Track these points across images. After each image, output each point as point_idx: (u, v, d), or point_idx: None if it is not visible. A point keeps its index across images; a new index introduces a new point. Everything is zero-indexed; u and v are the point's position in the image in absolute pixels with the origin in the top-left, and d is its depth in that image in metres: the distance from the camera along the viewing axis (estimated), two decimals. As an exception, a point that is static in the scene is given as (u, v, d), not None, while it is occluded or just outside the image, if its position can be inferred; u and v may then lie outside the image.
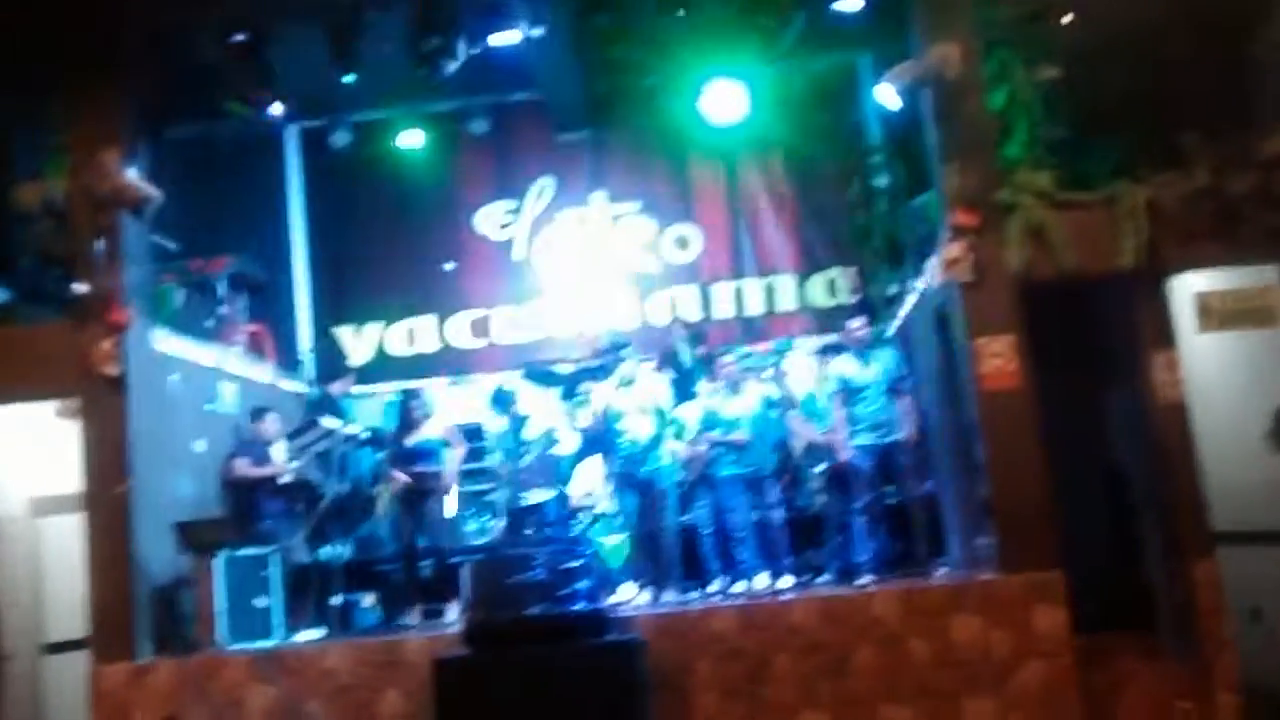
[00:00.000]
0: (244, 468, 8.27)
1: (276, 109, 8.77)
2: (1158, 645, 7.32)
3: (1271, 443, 7.34)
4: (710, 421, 8.04)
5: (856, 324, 8.05)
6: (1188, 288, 7.41)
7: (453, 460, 8.24)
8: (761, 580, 7.77)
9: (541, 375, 9.52)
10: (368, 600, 8.23)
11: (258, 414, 8.59)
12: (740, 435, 7.98)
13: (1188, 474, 7.06)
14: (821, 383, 8.29)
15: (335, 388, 9.89)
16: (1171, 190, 7.12)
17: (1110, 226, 7.12)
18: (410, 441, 8.21)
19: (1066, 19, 7.77)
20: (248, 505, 8.20)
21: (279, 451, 8.36)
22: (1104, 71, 7.42)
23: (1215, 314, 7.38)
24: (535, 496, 8.15)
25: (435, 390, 9.50)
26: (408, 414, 8.32)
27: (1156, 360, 7.18)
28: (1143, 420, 7.27)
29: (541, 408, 8.66)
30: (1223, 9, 7.40)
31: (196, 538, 7.62)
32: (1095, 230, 7.13)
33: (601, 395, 8.21)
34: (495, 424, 8.41)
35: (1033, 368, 7.04)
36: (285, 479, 8.26)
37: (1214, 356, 7.50)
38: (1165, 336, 7.20)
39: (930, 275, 7.84)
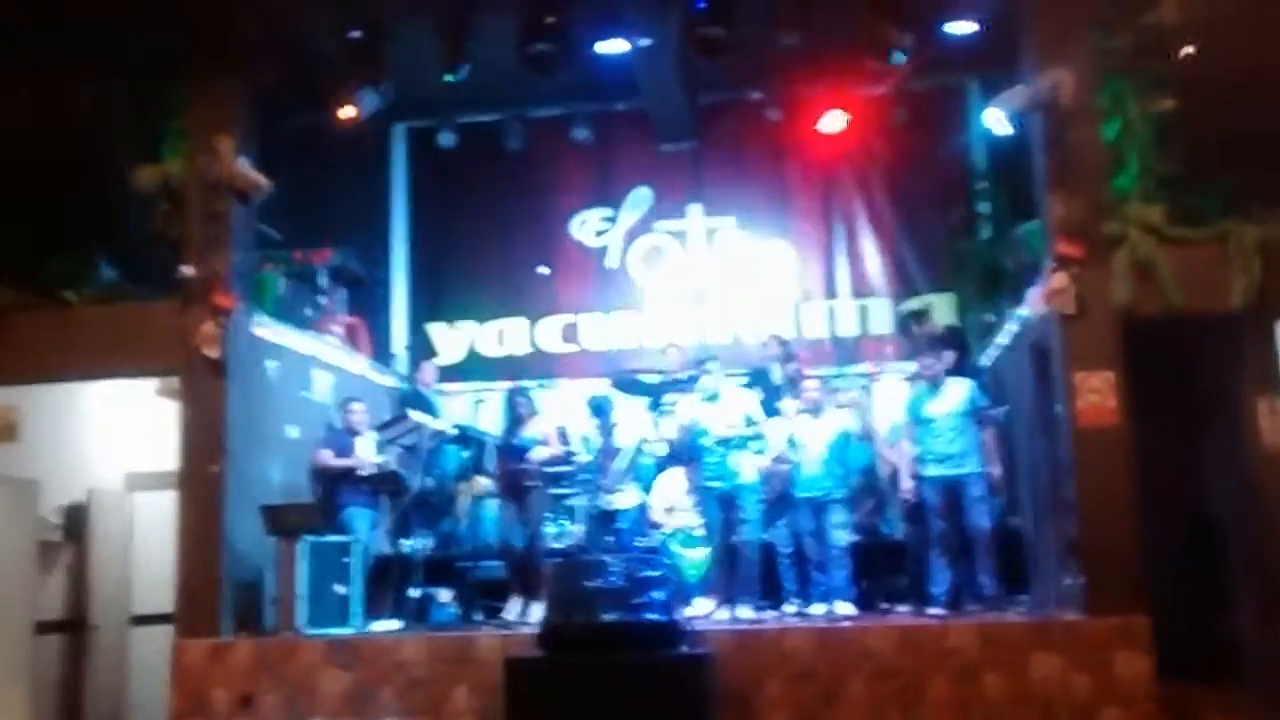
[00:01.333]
0: (328, 458, 8.40)
1: (382, 108, 8.95)
2: (1243, 698, 7.08)
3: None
4: (790, 442, 7.97)
5: (929, 360, 7.92)
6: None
7: (540, 456, 8.24)
8: (840, 606, 7.67)
9: (629, 384, 9.53)
10: (445, 596, 8.29)
11: (345, 404, 8.72)
12: (812, 458, 7.88)
13: (1289, 526, 6.84)
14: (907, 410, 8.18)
15: (422, 379, 10.00)
16: (1286, 231, 6.90)
17: (1220, 265, 6.94)
18: (517, 439, 8.27)
19: (1185, 51, 7.58)
20: (331, 494, 8.32)
21: (365, 443, 8.46)
22: (1220, 106, 7.22)
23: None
24: (618, 504, 8.13)
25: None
26: (516, 409, 8.39)
27: (1261, 404, 6.96)
28: (1242, 467, 7.04)
29: (629, 417, 8.64)
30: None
31: (282, 521, 7.77)
32: (1204, 268, 6.96)
33: (687, 408, 8.16)
34: (585, 429, 8.40)
35: (1131, 406, 6.87)
36: (368, 471, 8.34)
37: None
38: (1271, 381, 6.98)
39: (1030, 305, 7.69)
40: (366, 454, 8.43)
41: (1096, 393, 6.90)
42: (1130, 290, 6.97)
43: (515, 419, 8.31)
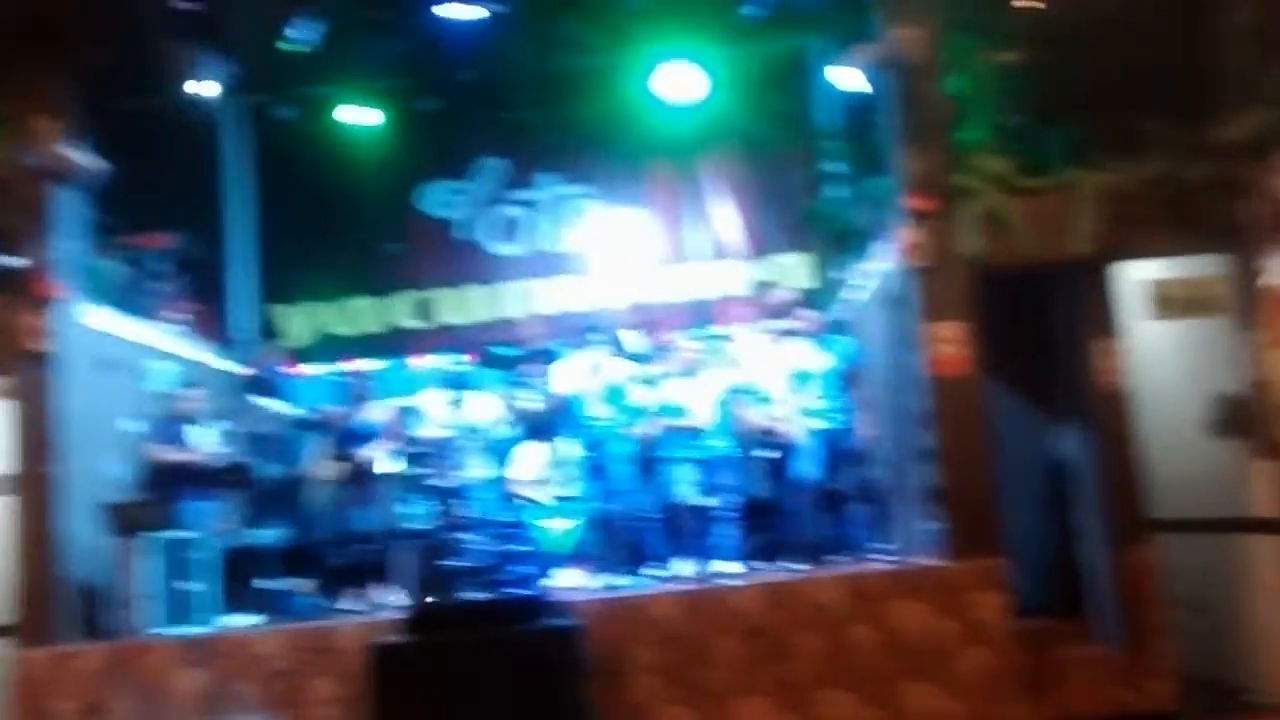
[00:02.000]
0: (160, 452, 7.98)
1: (218, 85, 8.58)
2: (1095, 631, 7.31)
3: (1213, 432, 7.33)
4: (663, 406, 7.91)
5: (806, 314, 7.94)
6: (1139, 275, 7.38)
7: (389, 443, 8.02)
8: (705, 566, 7.66)
9: (490, 358, 9.39)
10: (303, 585, 8.02)
11: (178, 390, 8.28)
12: (691, 420, 7.82)
13: (1129, 462, 7.07)
14: (772, 368, 8.18)
15: (266, 363, 9.65)
16: (1128, 178, 7.10)
17: (1065, 213, 7.09)
18: (353, 422, 8.01)
19: (1026, 3, 7.70)
20: (168, 489, 7.88)
21: (201, 432, 8.08)
22: (1063, 57, 7.36)
23: (1165, 302, 7.38)
24: (475, 480, 7.98)
25: (376, 371, 9.26)
26: (353, 392, 8.13)
27: (1102, 348, 7.16)
28: (1088, 407, 7.25)
29: (488, 391, 8.49)
30: (1182, -2, 7.38)
31: (126, 520, 7.38)
32: (1051, 217, 7.11)
33: (562, 378, 8.04)
34: (440, 406, 8.22)
35: (984, 354, 6.99)
36: (211, 461, 7.99)
37: (1161, 345, 7.50)
38: (1112, 325, 7.19)
39: (884, 260, 7.76)
40: (203, 443, 8.05)
41: (950, 343, 7.01)
42: (980, 241, 7.08)
43: (352, 402, 8.04)
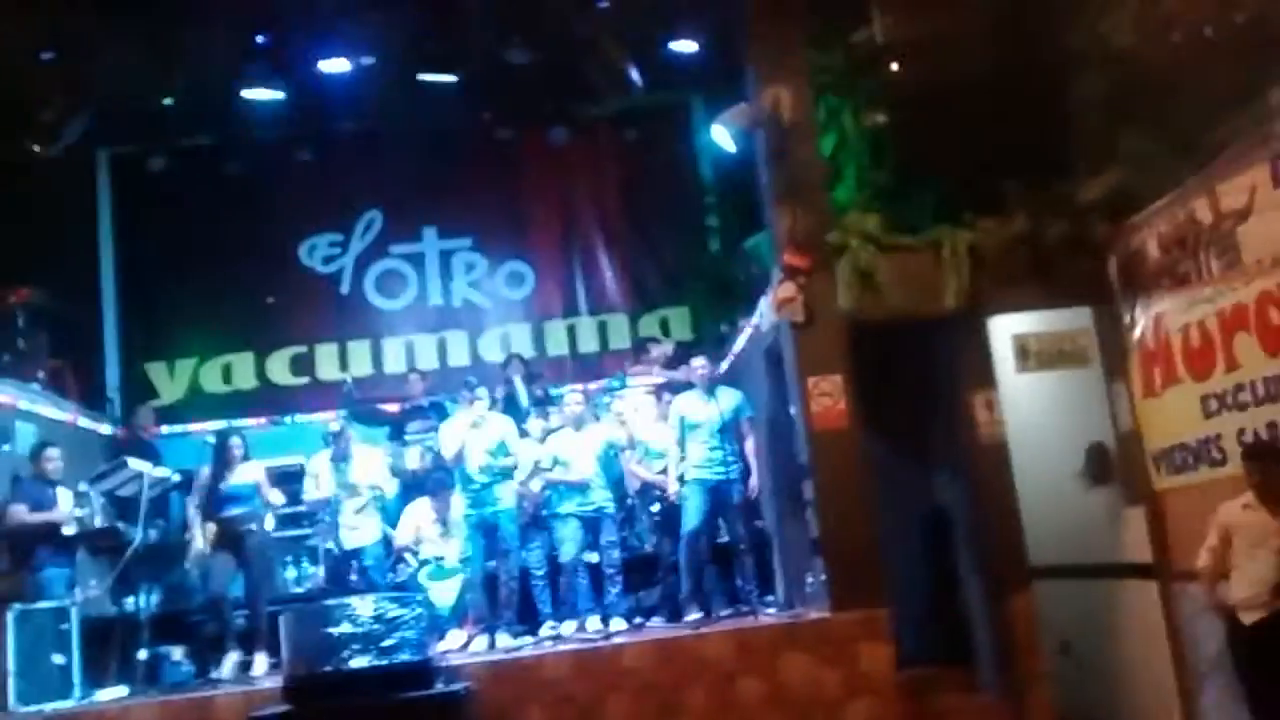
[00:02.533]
0: (21, 514, 7.55)
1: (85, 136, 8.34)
2: (976, 678, 7.47)
3: (1084, 479, 7.60)
4: (548, 460, 7.85)
5: (700, 363, 7.97)
6: (1006, 329, 7.64)
7: (265, 506, 7.81)
8: (593, 623, 7.62)
9: (367, 416, 9.21)
10: (177, 654, 7.72)
11: (37, 452, 7.87)
12: (577, 474, 7.80)
13: (1006, 510, 7.26)
14: (657, 422, 8.23)
15: (137, 423, 9.33)
16: (992, 235, 7.36)
17: (934, 269, 7.30)
18: (225, 485, 7.74)
19: (894, 67, 7.98)
20: (27, 554, 7.48)
21: (64, 495, 7.74)
22: (929, 119, 7.64)
23: (1033, 355, 7.64)
24: (358, 541, 7.81)
25: (252, 430, 9.00)
26: (225, 453, 7.84)
27: (977, 400, 7.38)
28: (963, 458, 7.45)
29: (367, 450, 8.32)
30: (1040, 64, 7.70)
31: (-14, 590, 7.03)
32: (920, 272, 7.31)
33: (448, 434, 7.90)
34: (319, 466, 8.02)
35: (861, 407, 7.15)
36: (74, 527, 7.63)
37: (1031, 397, 7.75)
38: (985, 377, 7.42)
39: (762, 315, 7.90)
40: (68, 506, 7.70)
41: (828, 395, 7.14)
42: (854, 297, 7.24)
43: (224, 463, 7.79)
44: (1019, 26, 7.76)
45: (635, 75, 8.47)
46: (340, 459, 7.94)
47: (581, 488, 7.79)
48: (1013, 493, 7.26)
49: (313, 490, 7.96)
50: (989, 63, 7.72)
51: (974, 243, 7.33)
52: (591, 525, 7.82)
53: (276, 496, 7.87)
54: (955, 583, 7.69)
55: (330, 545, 7.77)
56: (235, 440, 7.91)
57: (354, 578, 7.70)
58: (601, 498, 7.85)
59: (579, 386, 9.17)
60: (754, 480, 7.84)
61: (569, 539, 7.73)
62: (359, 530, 7.90)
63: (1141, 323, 6.95)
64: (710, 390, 7.80)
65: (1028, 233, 7.37)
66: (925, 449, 7.95)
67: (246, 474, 7.82)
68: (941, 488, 7.86)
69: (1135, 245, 6.98)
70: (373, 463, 8.11)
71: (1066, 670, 7.55)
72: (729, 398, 7.84)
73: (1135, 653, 7.29)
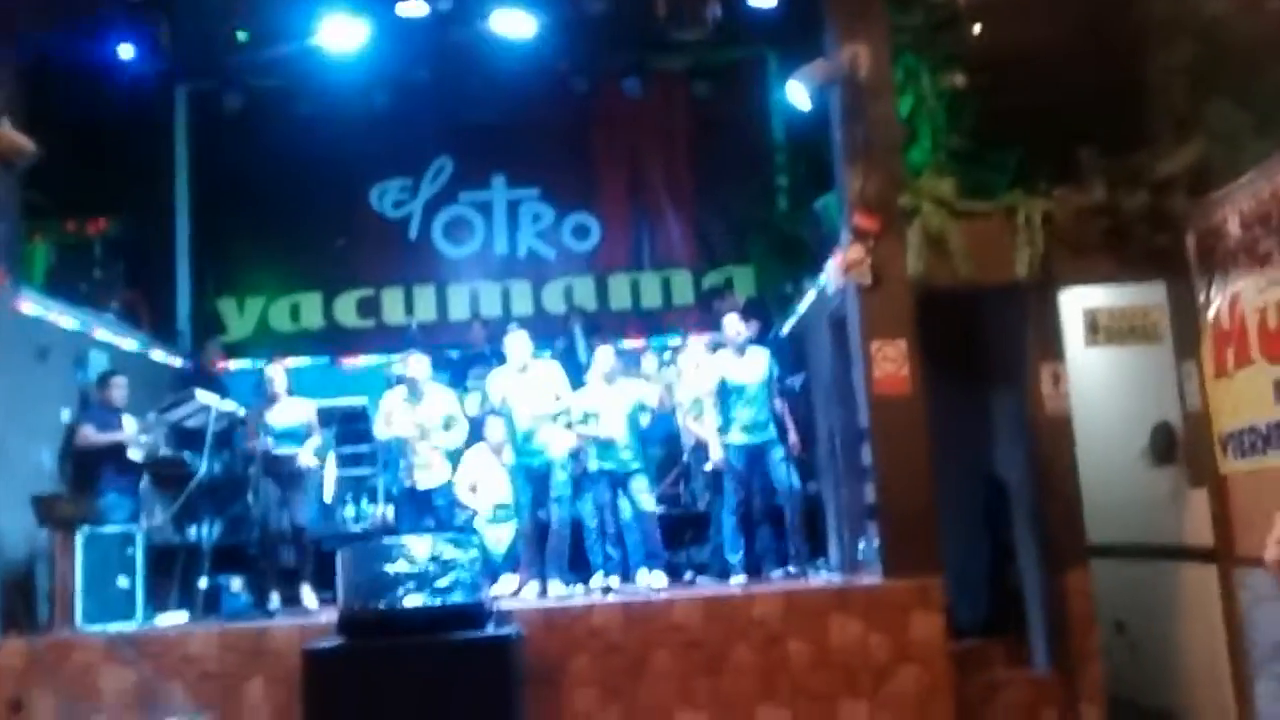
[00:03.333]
0: (90, 435, 7.80)
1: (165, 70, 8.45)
2: (1028, 653, 7.43)
3: (1149, 458, 7.48)
4: (584, 414, 7.85)
5: (734, 322, 7.91)
6: (1077, 301, 7.51)
7: (308, 446, 7.89)
8: (643, 577, 7.66)
9: (432, 360, 9.28)
10: (236, 584, 7.90)
11: (104, 379, 8.09)
12: (604, 430, 7.77)
13: (1066, 486, 7.18)
14: (714, 380, 8.20)
15: (205, 356, 9.51)
16: (1067, 204, 7.23)
17: (1007, 237, 7.19)
18: (274, 421, 7.86)
19: (975, 29, 7.81)
20: (91, 478, 7.74)
21: (129, 422, 7.93)
22: (1008, 83, 7.49)
23: (1102, 329, 7.50)
24: (431, 482, 7.88)
25: (316, 369, 9.13)
26: (265, 387, 7.96)
27: (1043, 372, 7.27)
28: (1026, 430, 7.36)
29: (439, 389, 8.36)
30: (1124, 31, 7.52)
31: (56, 512, 7.24)
32: (992, 240, 7.19)
33: (497, 383, 7.93)
34: (392, 404, 8.04)
35: (924, 374, 7.07)
36: (142, 454, 7.81)
37: (1099, 371, 7.64)
38: (1053, 349, 7.31)
39: (828, 277, 7.82)
40: (135, 433, 7.87)
41: (891, 361, 7.07)
42: (923, 262, 7.14)
43: (264, 397, 7.89)
44: (1104, -11, 7.57)
45: (712, 27, 8.35)
46: (413, 397, 7.97)
47: (607, 444, 7.77)
48: (1074, 468, 7.17)
49: (384, 429, 8.01)
50: (1071, 28, 7.56)
51: (1049, 211, 7.20)
52: (619, 482, 7.82)
53: (314, 440, 7.96)
54: (1011, 556, 7.63)
55: (389, 485, 7.83)
56: (273, 373, 7.98)
57: (411, 518, 7.79)
58: (628, 455, 7.80)
59: (628, 344, 9.10)
60: (793, 438, 7.78)
61: (603, 493, 7.78)
62: (431, 470, 7.92)
63: (1217, 301, 6.78)
64: (741, 350, 7.77)
65: (1104, 204, 7.23)
66: (988, 419, 7.87)
67: (293, 411, 7.91)
68: (1002, 459, 7.78)
69: (1215, 221, 6.78)
70: (446, 402, 8.14)
71: (1119, 650, 7.49)
72: (763, 357, 7.80)
73: (1190, 637, 7.20)
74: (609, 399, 7.85)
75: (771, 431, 7.68)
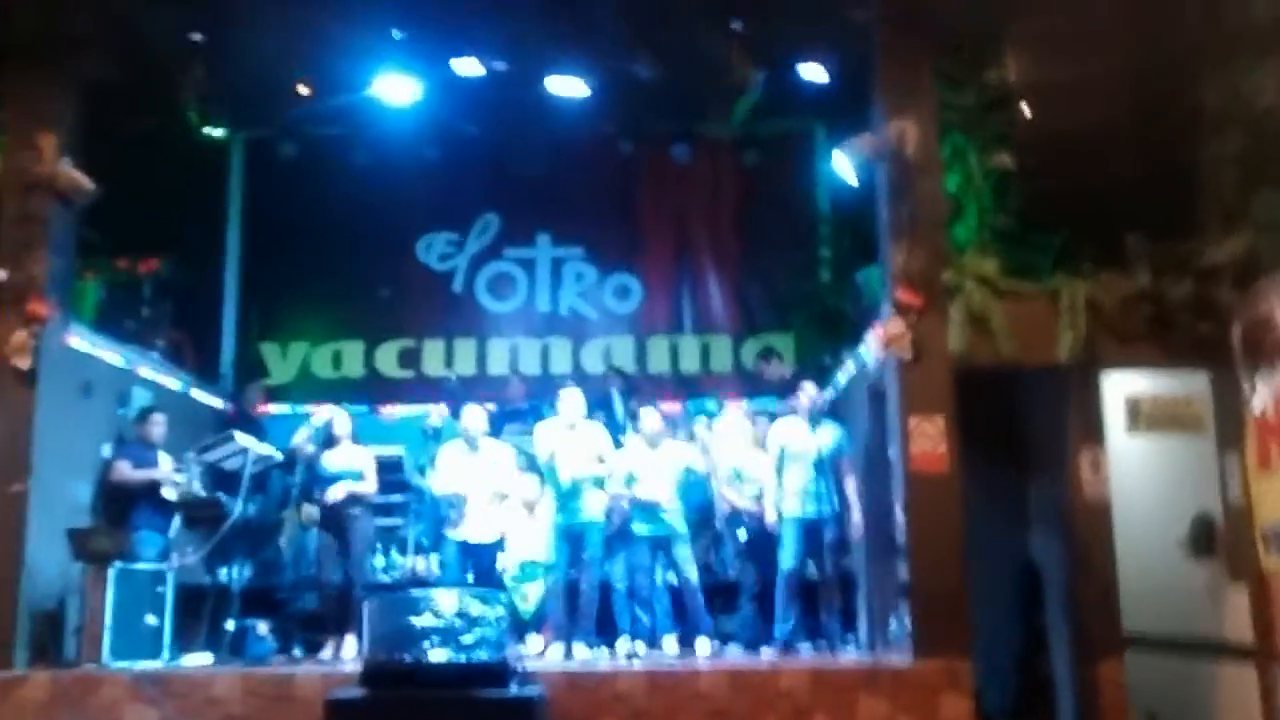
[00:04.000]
0: (125, 471, 7.88)
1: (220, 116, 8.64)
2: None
3: (1188, 549, 7.37)
4: (628, 477, 7.86)
5: (810, 388, 7.90)
6: (1119, 387, 7.46)
7: (354, 487, 7.88)
8: (670, 643, 7.60)
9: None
10: (262, 628, 7.91)
11: (144, 415, 8.20)
12: (647, 493, 7.77)
13: (1103, 573, 7.07)
14: (751, 447, 8.18)
15: (247, 398, 9.61)
16: (1112, 289, 7.20)
17: (1049, 319, 7.16)
18: (329, 465, 7.90)
19: (1025, 111, 7.86)
20: (124, 514, 7.81)
21: (164, 459, 8.00)
22: (1055, 165, 7.51)
23: (1145, 416, 7.44)
24: (484, 537, 7.88)
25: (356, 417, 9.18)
26: (327, 431, 8.00)
27: (1083, 457, 7.20)
28: (1064, 515, 7.28)
29: (497, 444, 8.36)
30: (1175, 118, 7.54)
31: (90, 546, 7.30)
32: (1035, 321, 7.17)
33: (545, 437, 7.95)
34: (451, 457, 8.07)
35: (961, 452, 7.02)
36: (176, 493, 7.88)
37: (1139, 459, 7.55)
38: (1094, 434, 7.25)
39: (868, 350, 7.82)
40: (172, 472, 7.96)
41: (929, 438, 7.02)
42: (964, 339, 7.13)
43: (328, 440, 7.92)
44: (1156, 78, 7.60)
45: (760, 99, 8.45)
46: (471, 449, 7.97)
47: (650, 507, 7.76)
48: (1112, 556, 7.06)
49: (441, 481, 8.02)
50: (1122, 112, 7.59)
51: (1093, 295, 7.17)
52: (662, 546, 7.79)
53: (371, 484, 7.99)
54: (1043, 642, 7.52)
55: (421, 537, 7.82)
56: (336, 414, 8.01)
57: (440, 572, 7.77)
58: (673, 519, 7.79)
59: (664, 405, 9.12)
60: (856, 518, 7.74)
61: (641, 557, 7.75)
62: (484, 525, 7.89)
63: (1261, 393, 6.71)
64: (814, 421, 7.75)
65: (1149, 289, 7.19)
66: (1023, 502, 7.79)
67: (353, 457, 7.94)
68: (1037, 544, 7.69)
69: (1261, 312, 6.72)
70: (503, 455, 8.15)
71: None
72: (830, 431, 7.77)
73: (1227, 734, 7.04)
74: (653, 462, 7.85)
75: (828, 505, 7.63)
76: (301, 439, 8.08)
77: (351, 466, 7.91)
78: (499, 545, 7.94)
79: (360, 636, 7.37)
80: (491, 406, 9.32)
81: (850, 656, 7.38)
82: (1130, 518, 7.24)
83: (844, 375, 8.72)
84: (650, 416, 8.06)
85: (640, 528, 7.78)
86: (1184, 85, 7.52)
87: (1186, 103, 7.48)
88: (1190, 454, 7.39)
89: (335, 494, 7.80)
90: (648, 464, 7.86)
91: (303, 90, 8.10)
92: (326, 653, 7.57)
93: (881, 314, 7.41)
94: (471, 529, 7.85)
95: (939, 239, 7.35)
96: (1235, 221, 7.12)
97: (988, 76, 7.93)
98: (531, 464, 8.13)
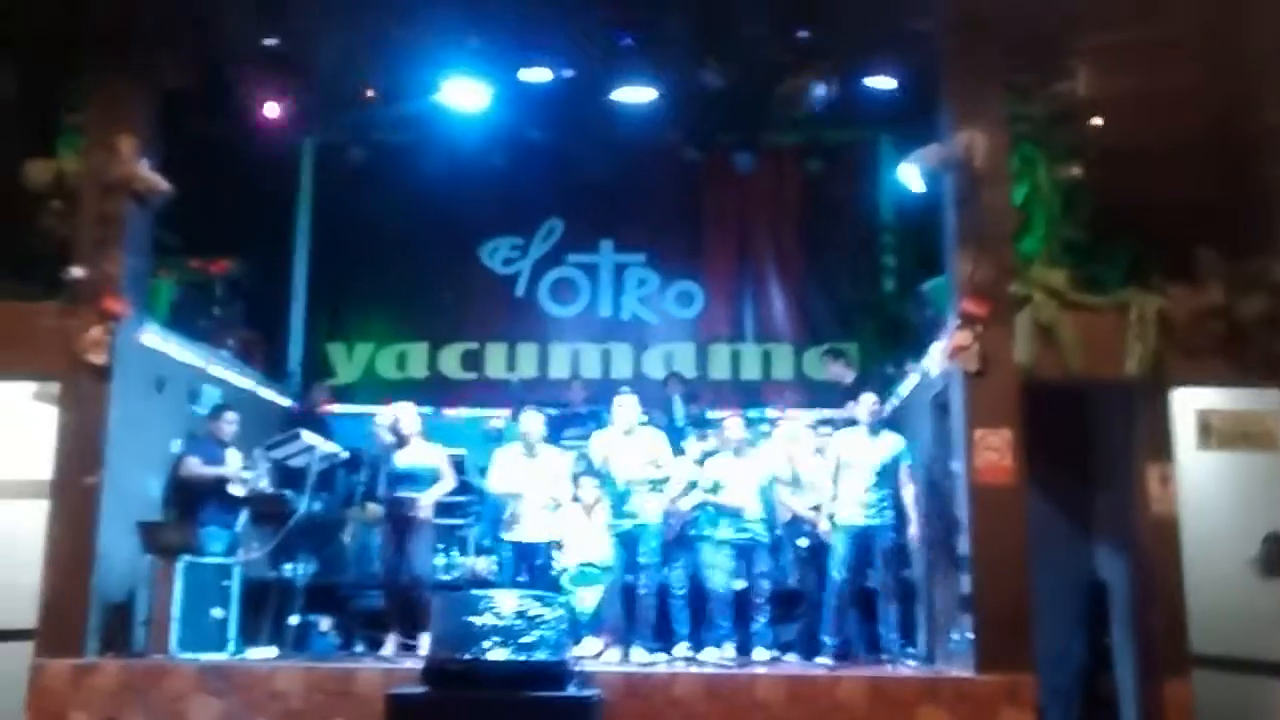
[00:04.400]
0: (195, 466, 8.00)
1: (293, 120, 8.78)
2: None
3: (1259, 569, 7.23)
4: (698, 482, 7.86)
5: (871, 399, 7.86)
6: (1189, 403, 7.34)
7: (437, 491, 7.86)
8: (729, 650, 7.60)
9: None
10: (325, 624, 8.02)
11: (216, 412, 8.32)
12: (734, 500, 7.79)
13: (1171, 591, 6.97)
14: (813, 455, 8.15)
15: (314, 398, 9.75)
16: (1183, 304, 7.10)
17: (1119, 332, 7.08)
18: (397, 463, 7.94)
19: (1095, 122, 7.77)
20: (192, 509, 7.94)
21: (233, 455, 8.13)
22: (1125, 178, 7.42)
23: (1215, 433, 7.31)
24: (511, 538, 7.94)
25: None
26: (397, 429, 8.01)
27: (1151, 472, 7.11)
28: (1131, 531, 7.18)
29: (553, 450, 8.40)
30: (1248, 132, 7.42)
31: (160, 540, 7.46)
32: (1104, 334, 7.09)
33: (600, 443, 8.00)
34: (509, 458, 8.11)
35: (1027, 466, 6.95)
36: (244, 489, 8.00)
37: (1209, 476, 7.42)
38: (1163, 450, 7.14)
39: (933, 361, 7.76)
40: (235, 466, 8.08)
41: (995, 450, 6.96)
42: (1032, 352, 7.06)
43: (399, 440, 7.98)
44: (1229, 91, 7.48)
45: (826, 108, 8.43)
46: (529, 453, 8.04)
47: (737, 514, 7.77)
48: (1180, 574, 6.95)
49: (495, 482, 8.05)
50: (1193, 125, 7.47)
51: (1164, 309, 7.07)
52: (745, 553, 7.80)
53: (449, 482, 7.95)
54: (1107, 660, 7.41)
55: (484, 538, 7.87)
56: (404, 413, 7.95)
57: (501, 573, 7.80)
58: (758, 527, 7.81)
59: (738, 413, 9.11)
60: (914, 529, 7.68)
61: (719, 566, 7.73)
62: (538, 527, 7.87)
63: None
64: (875, 430, 7.72)
65: (1221, 305, 7.08)
66: (1090, 518, 7.70)
67: (423, 454, 7.95)
68: (1104, 560, 7.59)
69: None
70: (560, 462, 8.18)
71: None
72: (891, 441, 7.73)
73: (1294, 759, 6.89)
74: (738, 470, 7.87)
75: (888, 516, 7.60)
76: (385, 422, 8.03)
77: (424, 464, 7.88)
78: (553, 546, 7.96)
79: (405, 634, 7.50)
80: (553, 411, 9.43)
81: (909, 668, 7.31)
82: (1200, 536, 7.12)
83: (907, 386, 8.66)
84: (734, 424, 8.08)
85: (725, 533, 7.79)
86: (1258, 98, 7.40)
87: (1260, 116, 7.37)
88: (1262, 472, 7.26)
89: (426, 502, 7.73)
90: (732, 471, 7.87)
91: (369, 94, 8.16)
92: (387, 649, 7.63)
93: (947, 324, 7.36)
94: (526, 530, 7.89)
95: (1006, 250, 7.29)
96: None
97: (1057, 88, 7.84)
98: (590, 468, 8.15)
